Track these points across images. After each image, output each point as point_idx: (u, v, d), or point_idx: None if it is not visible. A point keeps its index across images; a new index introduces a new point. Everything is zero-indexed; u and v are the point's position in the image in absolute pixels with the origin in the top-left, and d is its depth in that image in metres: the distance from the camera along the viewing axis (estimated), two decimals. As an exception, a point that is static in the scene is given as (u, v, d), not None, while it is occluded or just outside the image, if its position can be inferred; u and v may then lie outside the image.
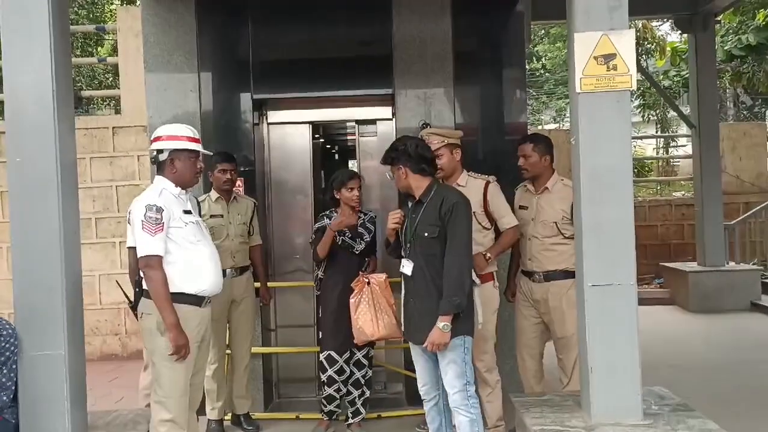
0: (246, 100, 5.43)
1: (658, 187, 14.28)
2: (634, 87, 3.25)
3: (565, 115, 21.53)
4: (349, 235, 4.58)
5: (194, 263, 3.47)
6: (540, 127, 19.58)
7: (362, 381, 4.67)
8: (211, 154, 4.30)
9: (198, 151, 3.61)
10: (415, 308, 3.58)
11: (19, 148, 3.29)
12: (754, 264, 9.86)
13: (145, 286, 3.41)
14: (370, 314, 4.27)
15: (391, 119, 5.57)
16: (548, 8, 7.29)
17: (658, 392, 3.67)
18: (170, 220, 3.41)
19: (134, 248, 3.51)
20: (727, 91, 16.72)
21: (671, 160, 15.52)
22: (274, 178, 5.74)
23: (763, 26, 11.92)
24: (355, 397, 4.68)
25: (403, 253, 3.69)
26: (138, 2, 6.96)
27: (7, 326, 3.20)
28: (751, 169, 11.79)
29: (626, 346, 3.22)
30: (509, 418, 4.11)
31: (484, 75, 5.52)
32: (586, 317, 3.25)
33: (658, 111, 16.30)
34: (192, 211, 3.58)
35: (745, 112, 18.06)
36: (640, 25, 13.61)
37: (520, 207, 4.38)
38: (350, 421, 4.73)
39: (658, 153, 16.92)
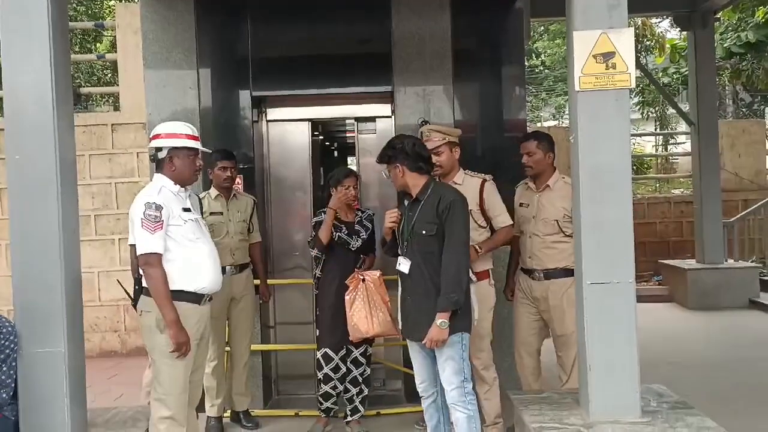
0: (245, 97, 5.43)
1: (657, 185, 14.28)
2: (633, 85, 3.26)
3: (564, 112, 21.53)
4: (346, 232, 4.59)
5: (193, 261, 3.47)
6: (539, 124, 19.57)
7: (360, 379, 4.68)
8: (210, 151, 4.30)
9: (197, 149, 3.61)
10: (413, 306, 3.58)
11: (19, 146, 3.29)
12: (752, 261, 9.87)
13: (144, 284, 3.42)
14: (365, 311, 4.29)
15: (390, 116, 5.57)
16: (547, 5, 7.30)
17: (656, 390, 3.68)
18: (169, 218, 3.40)
19: (135, 246, 3.51)
20: (727, 88, 16.72)
21: (670, 158, 15.53)
22: (273, 175, 5.74)
23: (762, 23, 11.89)
24: (353, 395, 4.69)
25: (399, 251, 3.69)
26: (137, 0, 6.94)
27: (7, 324, 3.21)
28: (750, 167, 11.80)
29: (625, 344, 3.23)
30: (508, 415, 4.12)
31: (484, 72, 5.53)
32: (585, 315, 3.25)
33: (657, 108, 16.30)
34: (191, 209, 3.58)
35: (744, 110, 18.07)
36: (640, 23, 13.62)
37: (521, 205, 4.38)
38: (349, 418, 4.74)
39: (657, 150, 16.91)
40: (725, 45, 12.29)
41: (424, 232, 3.52)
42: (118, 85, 8.28)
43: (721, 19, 12.33)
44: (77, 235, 3.53)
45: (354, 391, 4.68)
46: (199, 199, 4.03)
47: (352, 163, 7.90)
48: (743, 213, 10.29)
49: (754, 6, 11.65)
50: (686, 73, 11.41)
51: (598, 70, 3.20)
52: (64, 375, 3.26)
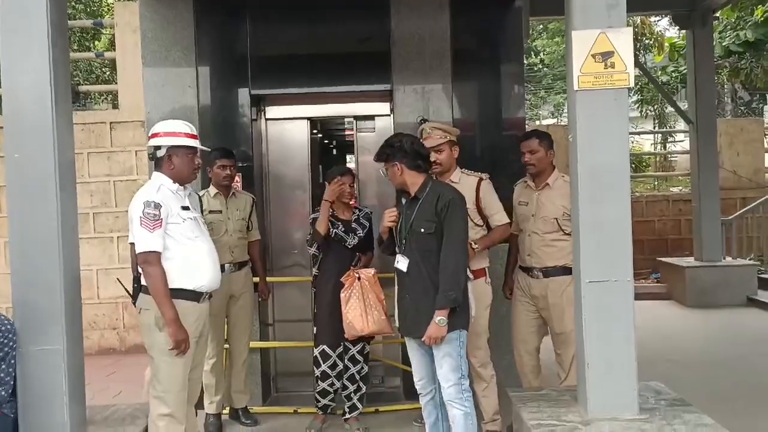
0: (244, 95, 5.43)
1: (656, 183, 14.31)
2: (632, 85, 3.27)
3: (563, 110, 21.54)
4: (343, 229, 4.60)
5: (192, 259, 3.48)
6: (538, 123, 19.59)
7: (357, 376, 4.69)
8: (209, 150, 4.30)
9: (196, 147, 3.62)
10: (412, 303, 3.58)
11: (18, 144, 3.29)
12: (750, 259, 9.89)
13: (143, 282, 3.42)
14: (360, 309, 4.32)
15: (389, 115, 5.57)
16: (546, 4, 7.31)
17: (654, 387, 3.69)
18: (168, 217, 3.41)
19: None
20: (725, 86, 16.73)
21: (669, 156, 15.54)
22: (272, 173, 5.75)
23: (761, 22, 11.93)
24: (351, 392, 4.70)
25: (397, 250, 3.70)
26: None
27: (6, 322, 3.21)
28: (749, 165, 11.82)
29: (623, 342, 3.24)
30: (506, 412, 4.13)
31: (483, 71, 5.54)
32: (583, 313, 3.26)
33: (656, 106, 16.31)
34: (190, 207, 3.58)
35: (742, 108, 18.08)
36: (639, 21, 13.62)
37: (520, 203, 4.39)
38: (347, 416, 4.75)
39: (655, 148, 16.94)
40: (724, 44, 12.34)
41: (422, 230, 3.53)
42: (116, 83, 8.28)
43: (720, 17, 12.35)
44: (76, 234, 3.53)
45: (352, 388, 4.69)
46: (200, 198, 4.03)
47: (351, 161, 7.89)
48: (741, 211, 10.31)
49: (753, 5, 11.68)
50: (685, 71, 11.42)
51: (597, 69, 3.20)
52: (63, 373, 3.27)
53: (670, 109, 15.15)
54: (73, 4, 12.46)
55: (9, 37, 3.31)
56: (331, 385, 4.65)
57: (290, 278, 5.61)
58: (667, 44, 13.86)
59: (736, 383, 5.65)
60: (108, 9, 13.55)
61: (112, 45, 10.85)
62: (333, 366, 4.62)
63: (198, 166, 3.66)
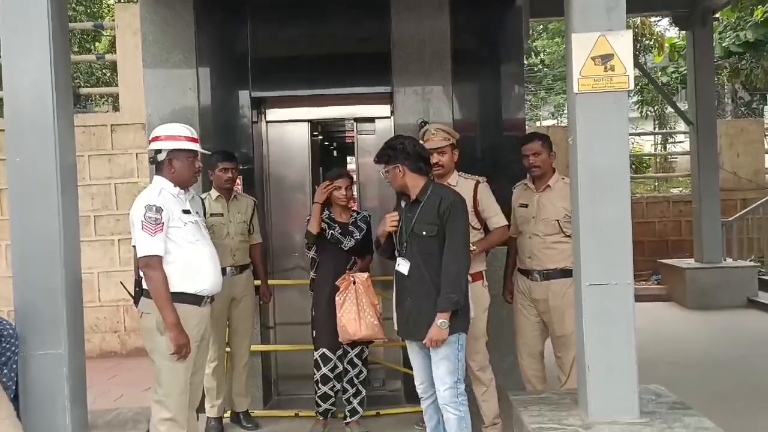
0: (245, 97, 5.45)
1: (656, 184, 14.30)
2: (632, 87, 3.27)
3: (563, 111, 21.54)
4: (339, 231, 4.60)
5: (193, 263, 3.48)
6: (538, 123, 19.58)
7: (356, 380, 4.67)
8: (210, 153, 4.31)
9: (196, 151, 3.62)
10: (413, 306, 3.58)
11: (19, 147, 3.31)
12: (751, 261, 9.88)
13: (145, 286, 3.42)
14: (354, 313, 4.33)
15: (389, 117, 5.58)
16: (546, 5, 7.30)
17: (654, 390, 3.69)
18: (170, 220, 3.42)
19: None
20: (726, 87, 16.74)
21: (669, 157, 15.54)
22: (272, 175, 5.75)
23: (761, 23, 11.92)
24: (350, 396, 4.68)
25: (398, 253, 3.68)
26: (137, 1, 6.95)
27: (8, 326, 3.21)
28: (749, 166, 11.81)
29: (623, 345, 3.24)
30: (506, 416, 4.13)
31: (483, 72, 5.54)
32: (584, 316, 3.26)
33: (656, 107, 16.32)
34: (191, 211, 3.58)
35: (743, 108, 18.09)
36: (639, 22, 13.63)
37: (520, 205, 4.38)
38: (348, 419, 4.74)
39: (656, 149, 16.94)
40: (724, 44, 12.33)
41: (424, 233, 3.53)
42: (117, 84, 8.28)
43: (720, 18, 12.35)
44: (77, 237, 3.54)
45: (351, 391, 4.68)
46: (202, 201, 4.04)
47: (351, 162, 7.90)
48: (742, 212, 10.30)
49: (753, 5, 11.67)
50: (685, 72, 11.43)
51: (597, 72, 3.20)
52: (64, 377, 3.28)
53: (670, 109, 15.16)
54: (73, 6, 12.48)
55: (10, 38, 3.33)
56: (332, 388, 4.65)
57: (292, 281, 5.60)
58: (667, 45, 13.85)
59: (736, 384, 5.64)
60: (108, 10, 13.57)
61: (112, 46, 10.87)
62: (333, 368, 4.62)
63: (199, 169, 3.67)
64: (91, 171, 7.63)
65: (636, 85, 14.32)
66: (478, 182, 4.23)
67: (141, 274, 3.45)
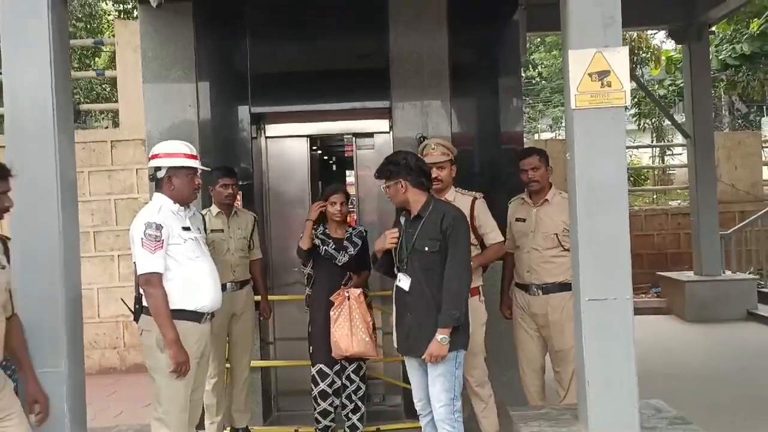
0: (244, 113, 5.47)
1: (655, 196, 14.32)
2: (628, 103, 3.30)
3: (561, 123, 21.60)
4: (334, 247, 4.61)
5: (193, 280, 3.49)
6: (536, 136, 19.68)
7: (354, 396, 4.64)
8: (209, 170, 4.32)
9: (195, 168, 3.63)
10: (414, 322, 3.57)
11: (20, 164, 3.30)
12: (750, 273, 9.87)
13: (145, 303, 3.43)
14: (346, 329, 4.34)
15: (388, 132, 5.60)
16: (544, 19, 7.34)
17: (655, 405, 3.69)
18: (170, 237, 3.42)
19: None
20: (723, 98, 16.81)
21: (667, 169, 15.58)
22: (272, 190, 5.77)
23: (757, 35, 12.01)
24: (349, 411, 4.65)
25: (398, 268, 3.67)
26: (136, 16, 7.00)
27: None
28: (746, 178, 11.83)
29: (623, 360, 3.24)
30: (507, 431, 4.12)
31: (481, 86, 5.57)
32: (583, 331, 3.27)
33: (653, 120, 16.38)
34: (191, 228, 3.59)
35: (740, 120, 18.16)
36: (635, 35, 13.69)
37: (517, 219, 4.39)
38: (348, 436, 4.71)
39: (654, 161, 16.98)
40: (720, 57, 12.41)
41: (426, 248, 3.52)
42: (116, 98, 8.32)
43: (716, 31, 12.42)
44: (78, 254, 3.55)
45: (350, 407, 4.64)
46: (203, 217, 4.05)
47: (350, 175, 7.92)
48: (740, 225, 10.30)
49: (749, 18, 11.76)
50: (682, 84, 11.48)
51: (594, 88, 3.23)
52: (64, 395, 3.27)
53: (668, 122, 15.23)
54: (73, 22, 12.55)
55: (11, 56, 3.36)
56: (331, 404, 4.63)
57: (292, 297, 5.60)
58: (664, 58, 13.92)
59: (736, 397, 5.64)
60: (108, 25, 13.64)
61: (112, 61, 10.92)
62: (331, 384, 4.60)
63: (198, 186, 3.68)
64: (91, 187, 7.65)
65: (633, 98, 14.45)
66: (475, 198, 4.25)
67: (141, 291, 3.46)
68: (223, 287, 4.05)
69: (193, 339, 3.46)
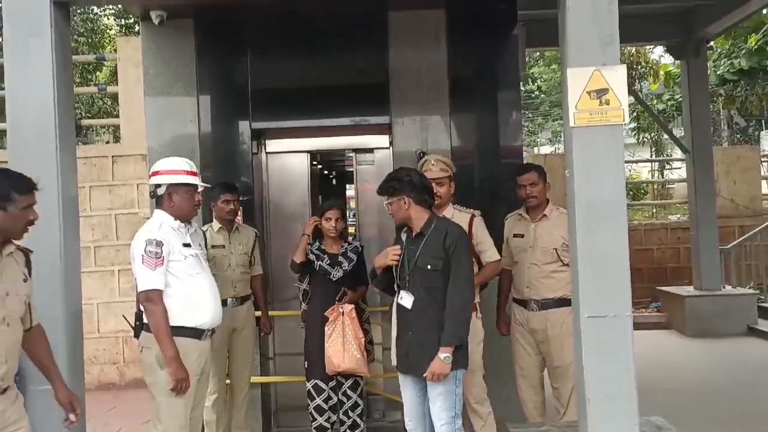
0: (245, 129, 5.50)
1: (654, 211, 14.33)
2: (627, 121, 3.32)
3: (560, 137, 21.64)
4: (329, 262, 4.62)
5: (193, 297, 3.50)
6: (536, 149, 19.70)
7: (351, 412, 4.63)
8: (210, 186, 4.34)
9: (196, 185, 3.65)
10: (415, 340, 3.56)
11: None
12: (750, 288, 9.87)
13: (145, 320, 3.43)
14: (339, 344, 4.36)
15: (388, 147, 5.62)
16: (543, 36, 7.36)
17: (655, 422, 3.69)
18: (170, 254, 3.44)
19: None
20: (721, 113, 16.86)
21: (666, 183, 15.59)
22: (272, 205, 5.79)
23: (754, 50, 12.05)
24: (347, 428, 4.63)
25: (399, 286, 3.66)
26: (138, 32, 7.05)
27: None
28: (745, 193, 11.84)
29: (623, 377, 3.23)
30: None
31: (480, 101, 5.59)
32: (583, 348, 3.27)
33: (652, 134, 16.41)
34: (191, 244, 3.60)
35: (738, 135, 18.20)
36: (633, 50, 13.75)
37: (515, 235, 4.40)
38: (346, 452, 4.69)
39: (653, 176, 16.99)
40: (719, 72, 12.44)
41: (429, 266, 3.51)
42: (117, 113, 8.35)
43: (714, 46, 12.48)
44: (78, 271, 3.56)
45: (348, 423, 4.63)
46: (204, 234, 4.06)
47: (350, 189, 7.94)
48: (740, 239, 10.30)
49: (747, 33, 11.81)
50: (681, 99, 11.51)
51: (592, 106, 3.25)
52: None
53: (667, 136, 15.26)
54: (75, 37, 12.62)
55: (14, 73, 3.40)
56: (328, 419, 4.61)
57: (292, 312, 5.59)
58: (662, 72, 13.96)
59: (736, 412, 5.63)
60: (110, 40, 13.71)
61: (113, 76, 10.96)
62: (327, 399, 4.60)
63: (198, 202, 3.70)
64: (91, 202, 7.66)
65: (632, 112, 14.47)
66: (473, 215, 4.25)
67: (141, 307, 3.46)
68: (224, 303, 4.05)
69: (193, 356, 3.46)
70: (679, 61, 10.51)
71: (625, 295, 3.25)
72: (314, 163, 6.29)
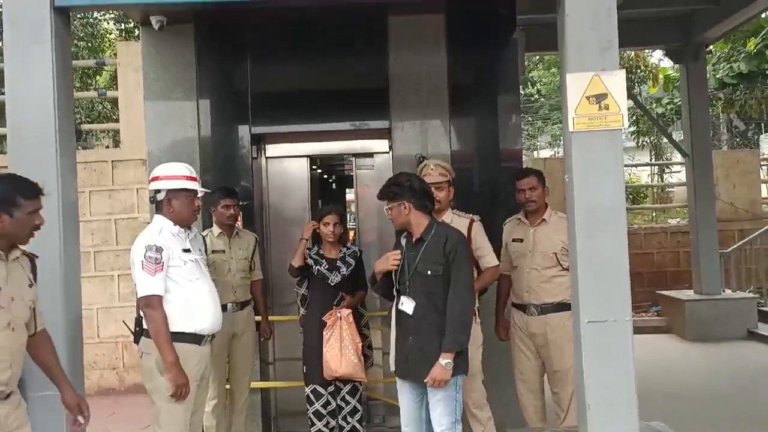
0: (245, 133, 5.51)
1: (654, 214, 14.33)
2: (626, 126, 3.33)
3: (560, 141, 21.66)
4: (327, 267, 4.62)
5: (193, 302, 3.49)
6: (536, 153, 19.72)
7: (350, 418, 4.62)
8: (210, 191, 4.34)
9: (195, 190, 3.65)
10: (415, 346, 3.55)
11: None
12: (750, 292, 9.85)
13: (145, 325, 3.43)
14: (336, 349, 4.37)
15: (388, 152, 5.62)
16: (543, 40, 7.38)
17: (655, 427, 3.68)
18: (170, 260, 3.44)
19: None
20: (721, 117, 16.87)
21: (666, 187, 15.60)
22: (272, 209, 5.79)
23: (754, 54, 12.05)
24: (346, 432, 4.66)
25: (399, 291, 3.65)
26: (138, 36, 7.06)
27: None
28: (745, 196, 11.83)
29: (623, 383, 3.24)
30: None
31: (480, 105, 5.60)
32: (583, 353, 3.27)
33: (652, 138, 16.43)
34: (191, 250, 3.60)
35: (738, 138, 18.22)
36: (632, 54, 13.77)
37: (514, 240, 4.40)
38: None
39: (652, 179, 17.01)
40: (718, 75, 12.44)
41: (429, 272, 3.51)
42: (118, 117, 8.34)
43: (713, 50, 12.49)
44: (78, 276, 3.56)
45: (347, 428, 4.63)
46: (204, 239, 4.06)
47: (350, 192, 7.95)
48: (740, 243, 10.27)
49: (746, 37, 11.82)
50: (680, 102, 11.52)
51: (591, 111, 3.26)
52: (63, 419, 3.24)
53: (666, 139, 15.27)
54: (75, 41, 12.62)
55: (14, 79, 3.39)
56: (327, 424, 4.61)
57: (292, 317, 5.58)
58: (661, 76, 13.97)
59: (736, 416, 5.62)
60: (110, 45, 13.73)
61: (113, 80, 10.97)
62: (326, 404, 4.60)
63: (198, 207, 3.70)
64: (91, 207, 7.65)
65: (631, 116, 14.48)
66: (472, 221, 4.25)
67: (141, 313, 3.46)
68: (224, 308, 4.05)
69: (193, 362, 3.46)
70: (678, 65, 10.51)
71: (625, 300, 3.26)
72: (314, 167, 6.30)
